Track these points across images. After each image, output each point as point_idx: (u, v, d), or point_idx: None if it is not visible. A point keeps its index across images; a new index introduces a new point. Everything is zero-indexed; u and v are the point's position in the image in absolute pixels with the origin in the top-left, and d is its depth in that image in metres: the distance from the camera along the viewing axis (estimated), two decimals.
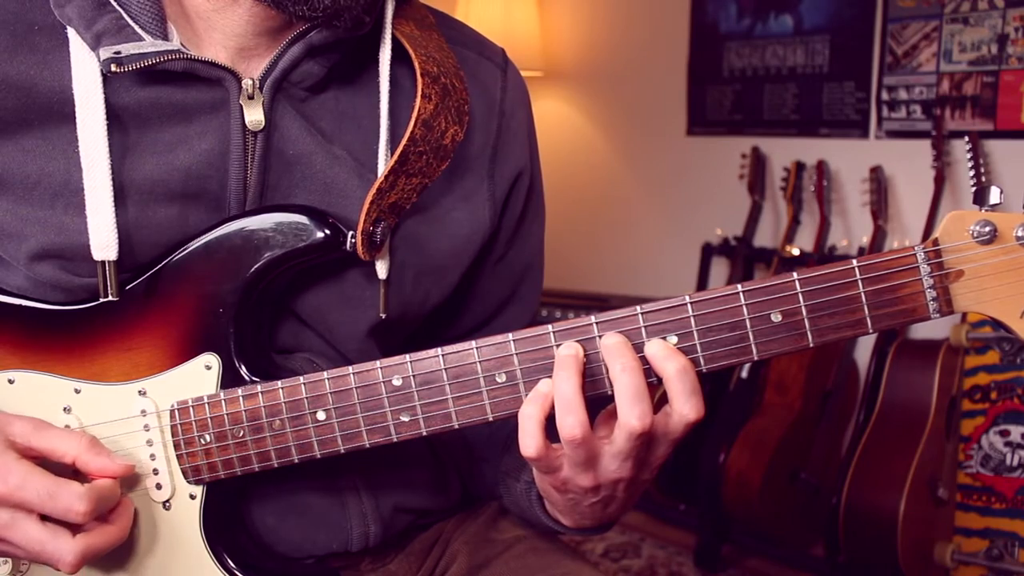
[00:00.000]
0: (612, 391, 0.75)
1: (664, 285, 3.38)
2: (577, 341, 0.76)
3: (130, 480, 0.85)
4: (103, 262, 0.81)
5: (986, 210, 0.73)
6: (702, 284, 3.13)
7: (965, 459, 2.49)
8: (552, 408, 0.75)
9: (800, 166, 2.95)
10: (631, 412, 0.73)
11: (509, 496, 0.98)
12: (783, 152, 3.06)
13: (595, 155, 3.62)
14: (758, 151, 3.06)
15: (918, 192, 2.71)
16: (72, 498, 0.76)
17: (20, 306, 0.86)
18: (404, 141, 0.84)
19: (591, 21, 3.57)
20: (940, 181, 2.60)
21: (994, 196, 0.73)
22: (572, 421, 0.74)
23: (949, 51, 2.68)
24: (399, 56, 0.89)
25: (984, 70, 2.62)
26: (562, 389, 0.74)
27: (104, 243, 0.81)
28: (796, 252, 2.86)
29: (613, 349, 0.75)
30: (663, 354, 0.74)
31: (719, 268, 3.17)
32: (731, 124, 3.21)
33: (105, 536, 0.80)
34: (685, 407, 0.74)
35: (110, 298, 0.82)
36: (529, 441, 0.75)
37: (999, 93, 2.60)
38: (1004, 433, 2.44)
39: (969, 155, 2.48)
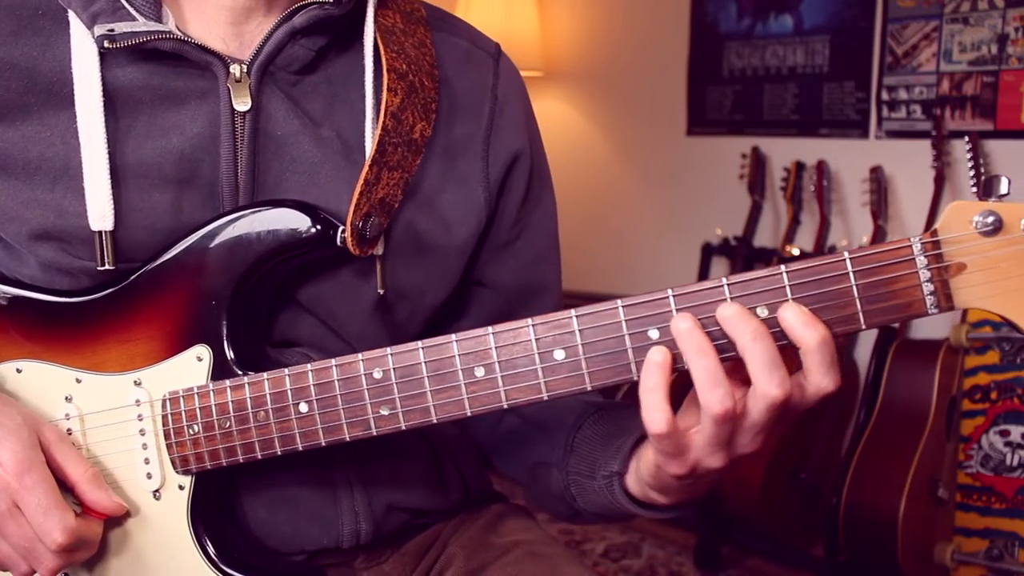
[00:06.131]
0: (742, 360, 0.70)
1: (664, 285, 3.34)
2: (556, 335, 0.74)
3: (122, 469, 0.87)
4: (100, 232, 0.83)
5: (993, 200, 0.68)
6: None
7: (965, 459, 2.49)
8: (671, 377, 0.71)
9: (800, 166, 2.95)
10: (770, 380, 0.68)
11: (583, 496, 0.94)
12: (783, 152, 3.06)
13: (595, 155, 3.62)
14: (758, 151, 3.06)
15: (918, 192, 2.71)
16: (57, 524, 0.79)
17: (29, 299, 0.88)
18: (378, 132, 0.86)
19: (591, 21, 3.58)
20: (940, 181, 2.59)
21: (1003, 186, 0.68)
22: (722, 393, 0.69)
23: (949, 51, 2.68)
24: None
25: (984, 70, 2.62)
26: (703, 363, 0.70)
27: (101, 213, 0.83)
28: (796, 252, 2.86)
29: (736, 318, 0.70)
30: (803, 320, 0.69)
31: (719, 268, 3.17)
32: (731, 124, 3.21)
33: (82, 555, 0.84)
34: (825, 379, 0.70)
35: (107, 267, 0.84)
36: (657, 416, 0.70)
37: (999, 93, 2.60)
38: (1004, 433, 2.44)
39: (969, 155, 2.47)
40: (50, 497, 0.79)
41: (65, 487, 0.83)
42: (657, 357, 0.71)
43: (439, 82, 0.93)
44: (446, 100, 0.94)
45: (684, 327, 0.71)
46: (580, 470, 0.93)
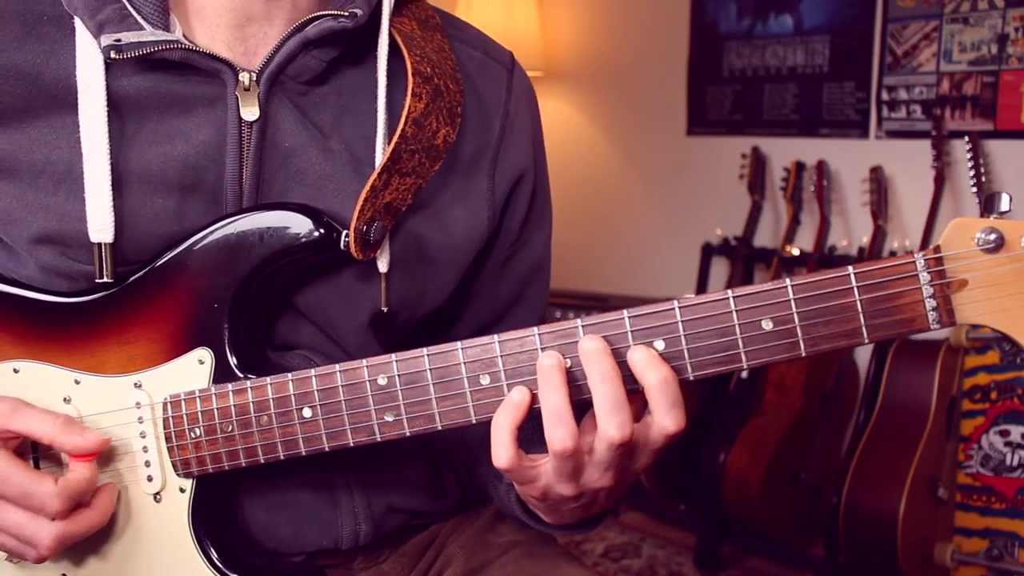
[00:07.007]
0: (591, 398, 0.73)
1: (664, 285, 3.38)
2: (562, 344, 0.75)
3: (122, 472, 0.86)
4: (99, 244, 0.83)
5: (995, 217, 0.69)
6: (702, 284, 3.13)
7: (965, 459, 2.49)
8: (524, 417, 0.74)
9: (800, 166, 2.95)
10: (610, 423, 0.71)
11: (497, 498, 0.98)
12: (783, 152, 3.06)
13: (595, 155, 3.62)
14: (758, 151, 3.06)
15: (918, 192, 2.71)
16: (45, 497, 0.79)
17: (27, 298, 0.88)
18: (395, 139, 0.85)
19: (591, 21, 3.58)
20: (940, 181, 2.59)
21: (1004, 203, 0.69)
22: (563, 433, 0.72)
23: (949, 51, 2.68)
24: (399, 53, 0.90)
25: (984, 70, 2.62)
26: (550, 401, 0.72)
27: (101, 225, 0.82)
28: (796, 252, 2.86)
29: (591, 355, 0.72)
30: (646, 363, 0.72)
31: (719, 268, 3.17)
32: (731, 124, 3.21)
33: (83, 522, 0.83)
34: (666, 419, 0.72)
35: (105, 279, 0.83)
36: (501, 451, 0.74)
37: (999, 93, 2.60)
38: (1004, 433, 2.44)
39: (969, 155, 2.47)
40: (23, 477, 0.79)
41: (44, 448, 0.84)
42: (516, 397, 0.74)
43: (463, 87, 0.92)
44: (472, 106, 0.93)
45: (545, 364, 0.73)
46: (495, 473, 0.96)
